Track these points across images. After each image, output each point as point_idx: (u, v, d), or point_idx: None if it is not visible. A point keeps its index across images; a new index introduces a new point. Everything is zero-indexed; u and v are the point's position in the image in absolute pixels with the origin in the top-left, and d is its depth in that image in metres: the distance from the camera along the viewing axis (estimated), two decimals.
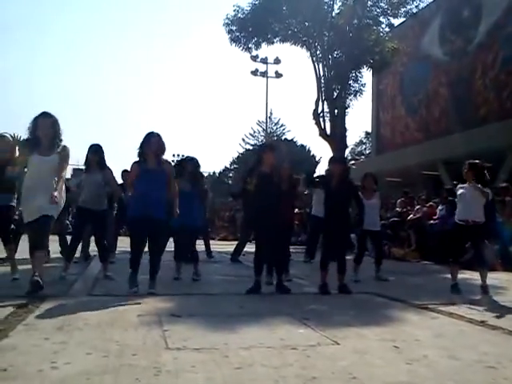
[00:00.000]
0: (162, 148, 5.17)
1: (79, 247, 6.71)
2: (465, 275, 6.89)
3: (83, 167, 6.46)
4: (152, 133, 5.15)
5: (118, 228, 9.19)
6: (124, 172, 8.58)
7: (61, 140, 4.72)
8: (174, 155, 28.04)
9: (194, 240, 6.58)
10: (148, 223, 5.00)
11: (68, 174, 7.44)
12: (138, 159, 5.17)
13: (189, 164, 6.43)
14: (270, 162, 5.44)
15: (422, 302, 4.91)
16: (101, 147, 6.18)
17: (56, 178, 4.67)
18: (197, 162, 6.53)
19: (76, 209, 6.24)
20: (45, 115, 4.63)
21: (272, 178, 5.40)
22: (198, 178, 6.55)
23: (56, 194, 4.58)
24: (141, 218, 5.01)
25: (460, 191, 5.80)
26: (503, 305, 4.99)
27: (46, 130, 4.60)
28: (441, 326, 3.98)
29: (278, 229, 5.44)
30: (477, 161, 5.83)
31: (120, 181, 8.73)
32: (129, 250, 5.35)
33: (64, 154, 4.76)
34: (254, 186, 5.37)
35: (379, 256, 7.05)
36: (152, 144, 5.07)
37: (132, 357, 2.86)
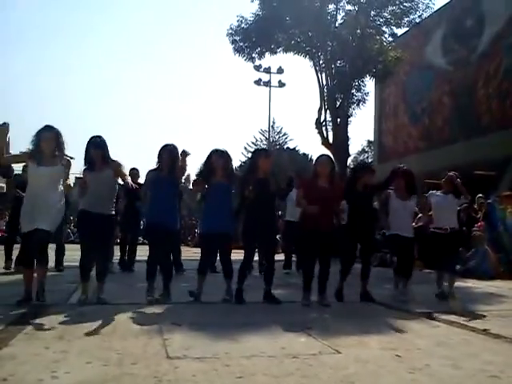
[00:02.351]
0: (176, 158, 5.26)
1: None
2: (467, 284, 6.87)
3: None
4: (168, 144, 5.33)
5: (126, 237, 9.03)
6: (132, 170, 8.38)
7: (63, 151, 4.82)
8: None
9: (228, 249, 5.48)
10: (162, 230, 5.14)
11: (71, 182, 7.17)
12: (154, 168, 5.37)
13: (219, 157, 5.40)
14: (264, 168, 5.40)
15: (424, 311, 4.89)
16: (103, 139, 5.11)
17: (58, 189, 4.82)
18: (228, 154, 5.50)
19: (78, 213, 5.15)
20: (47, 128, 4.76)
21: (267, 184, 5.32)
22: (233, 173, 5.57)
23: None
24: (155, 226, 5.18)
25: (435, 199, 5.84)
26: (505, 313, 4.95)
27: (48, 142, 4.73)
28: (443, 334, 3.95)
29: (270, 236, 5.46)
30: (453, 173, 5.97)
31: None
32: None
33: (68, 165, 4.91)
34: (251, 193, 5.27)
35: (409, 269, 5.89)
36: (165, 155, 5.24)
37: (132, 366, 2.85)
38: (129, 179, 5.09)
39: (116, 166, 5.02)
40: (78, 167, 5.67)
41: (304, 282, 5.37)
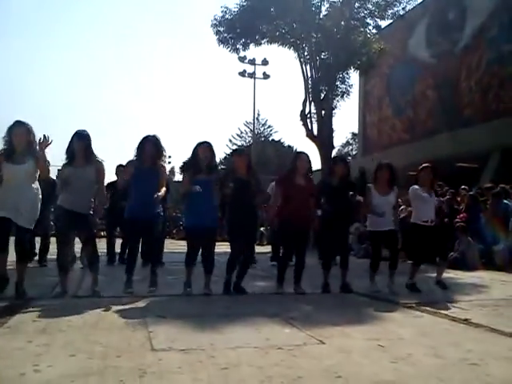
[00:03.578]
0: (158, 150, 5.25)
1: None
2: (449, 274, 6.97)
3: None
4: (147, 136, 5.27)
5: (112, 232, 8.99)
6: (119, 167, 8.30)
7: (34, 146, 4.76)
8: None
9: (211, 244, 5.41)
10: (143, 224, 5.11)
11: (53, 175, 7.05)
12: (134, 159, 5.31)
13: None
14: (240, 166, 5.43)
15: (407, 301, 4.95)
16: (88, 133, 5.03)
17: (33, 185, 4.79)
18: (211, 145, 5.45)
19: (58, 210, 5.06)
20: (18, 123, 4.72)
21: (246, 181, 5.35)
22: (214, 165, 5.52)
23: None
24: (136, 219, 5.14)
25: (418, 193, 5.86)
26: (486, 303, 5.04)
27: (20, 137, 4.68)
28: (425, 324, 4.01)
29: (252, 231, 5.56)
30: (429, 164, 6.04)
31: (114, 177, 8.61)
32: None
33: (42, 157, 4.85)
34: (231, 190, 5.34)
35: (394, 261, 5.86)
36: (147, 146, 5.18)
37: (116, 358, 2.84)
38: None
39: (99, 166, 5.01)
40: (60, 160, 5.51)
41: (278, 272, 5.61)
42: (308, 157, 5.71)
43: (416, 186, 5.94)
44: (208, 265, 5.35)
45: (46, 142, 4.73)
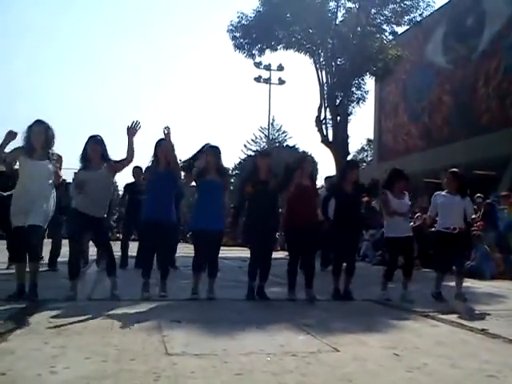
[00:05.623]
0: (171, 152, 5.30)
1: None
2: (466, 283, 6.87)
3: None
4: (163, 139, 5.32)
5: (128, 234, 9.06)
6: (135, 168, 8.37)
7: (52, 145, 4.88)
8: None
9: (217, 247, 5.51)
10: (159, 225, 5.19)
11: (69, 178, 7.13)
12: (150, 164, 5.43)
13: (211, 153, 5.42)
14: (264, 169, 5.45)
15: (423, 310, 4.89)
16: (102, 138, 5.16)
17: (50, 183, 4.88)
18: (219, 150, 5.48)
19: (72, 212, 5.19)
20: (38, 122, 4.84)
21: (267, 184, 5.36)
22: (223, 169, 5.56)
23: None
24: (153, 221, 5.22)
25: (441, 200, 5.77)
26: (504, 313, 4.96)
27: (39, 136, 4.79)
28: (441, 334, 3.96)
29: (270, 236, 5.56)
30: (457, 169, 5.94)
31: (131, 179, 8.68)
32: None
33: (59, 160, 5.01)
34: (249, 194, 5.37)
35: (408, 269, 5.83)
36: (163, 149, 5.27)
37: (131, 362, 2.85)
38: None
39: (112, 165, 5.10)
40: (72, 162, 5.55)
41: (288, 279, 5.53)
42: (313, 159, 5.75)
43: (439, 192, 5.86)
44: (212, 268, 5.35)
45: (134, 128, 4.91)
